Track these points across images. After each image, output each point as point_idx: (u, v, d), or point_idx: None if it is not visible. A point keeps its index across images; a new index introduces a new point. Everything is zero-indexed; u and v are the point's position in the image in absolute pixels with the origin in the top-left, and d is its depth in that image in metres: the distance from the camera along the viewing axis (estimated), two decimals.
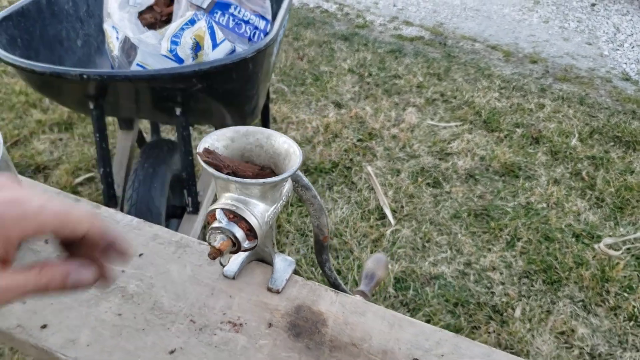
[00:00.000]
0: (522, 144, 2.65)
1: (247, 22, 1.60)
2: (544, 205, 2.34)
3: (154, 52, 1.43)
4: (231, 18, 1.59)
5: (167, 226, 1.95)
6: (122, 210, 1.85)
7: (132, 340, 0.70)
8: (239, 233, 0.65)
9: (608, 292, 2.00)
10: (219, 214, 0.66)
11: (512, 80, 3.12)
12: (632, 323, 1.92)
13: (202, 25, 1.44)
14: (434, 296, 1.95)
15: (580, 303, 1.97)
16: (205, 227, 2.08)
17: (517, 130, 2.73)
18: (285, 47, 3.29)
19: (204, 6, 1.56)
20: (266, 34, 1.69)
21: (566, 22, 3.74)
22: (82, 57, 1.97)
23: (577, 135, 2.71)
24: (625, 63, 3.32)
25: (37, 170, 2.38)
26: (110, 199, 1.79)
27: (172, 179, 1.89)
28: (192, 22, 1.43)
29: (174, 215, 1.97)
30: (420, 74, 3.10)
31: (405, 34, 3.52)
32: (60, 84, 1.49)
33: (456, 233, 2.19)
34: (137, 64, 1.49)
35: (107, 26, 1.53)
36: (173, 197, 1.98)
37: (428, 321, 1.88)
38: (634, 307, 1.95)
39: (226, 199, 0.67)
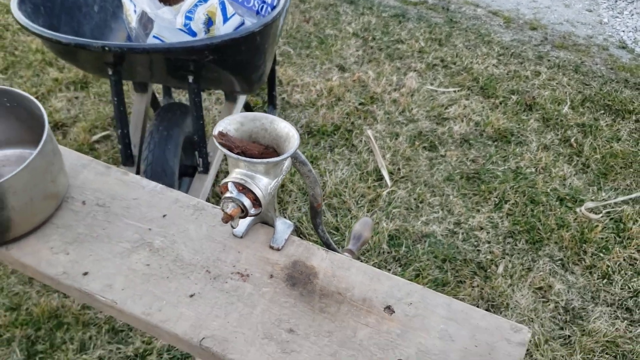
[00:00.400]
0: (516, 111, 2.77)
1: None
2: (532, 170, 2.48)
3: (170, 26, 1.56)
4: None
5: (179, 185, 2.11)
6: (138, 169, 2.01)
7: (158, 286, 0.86)
8: (247, 202, 0.80)
9: (585, 252, 2.16)
10: (230, 186, 0.81)
11: (510, 47, 3.22)
12: (605, 281, 2.09)
13: (214, 2, 1.56)
14: (424, 253, 2.12)
15: (559, 262, 2.14)
16: (214, 185, 2.24)
17: (512, 96, 2.84)
18: (292, 10, 3.37)
19: None
20: (273, 7, 1.81)
21: None
22: (99, 22, 2.09)
23: (569, 102, 2.83)
24: (623, 31, 3.40)
25: (56, 128, 2.53)
26: (127, 159, 1.95)
27: (184, 140, 2.04)
28: (204, 0, 1.55)
29: (185, 174, 2.13)
30: (422, 39, 3.19)
31: None
32: (83, 53, 1.62)
33: (448, 195, 2.35)
34: (154, 36, 1.62)
35: (125, 0, 1.65)
36: (185, 157, 2.14)
37: (417, 275, 2.05)
38: (608, 266, 2.12)
39: (236, 174, 0.82)
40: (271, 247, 0.92)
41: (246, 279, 0.88)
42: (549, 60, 3.13)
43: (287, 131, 0.85)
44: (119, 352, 1.78)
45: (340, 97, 2.77)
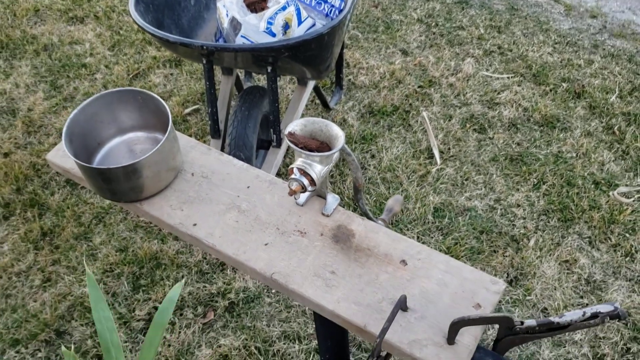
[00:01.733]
0: (565, 98, 2.98)
1: (325, 1, 2.04)
2: (573, 154, 2.71)
3: (254, 29, 1.92)
4: None
5: (256, 156, 2.49)
6: (223, 141, 2.41)
7: (244, 236, 1.24)
8: (305, 182, 1.16)
9: (612, 232, 2.41)
10: (295, 170, 1.17)
11: (567, 35, 3.38)
12: (627, 258, 2.33)
13: (291, 10, 1.90)
14: (464, 224, 2.43)
15: (587, 239, 2.39)
16: (285, 157, 2.61)
17: (563, 84, 3.05)
18: None
19: None
20: (340, 11, 2.13)
21: None
22: (195, 13, 2.47)
23: (617, 92, 3.01)
24: None
25: None
26: (215, 132, 2.34)
27: (262, 118, 2.42)
28: (283, 8, 1.89)
29: (261, 147, 2.51)
30: (482, 26, 3.41)
31: None
32: (185, 49, 2.01)
33: (492, 174, 2.63)
34: (242, 36, 1.98)
35: (219, 5, 2.02)
36: (262, 133, 2.52)
37: (456, 244, 2.36)
38: (632, 246, 2.35)
39: (299, 162, 1.17)
40: (323, 214, 1.28)
41: (304, 235, 1.24)
42: (604, 49, 3.29)
43: (336, 132, 1.19)
44: (205, 289, 2.21)
45: (401, 80, 3.07)
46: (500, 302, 2.18)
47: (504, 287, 1.15)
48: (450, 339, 1.07)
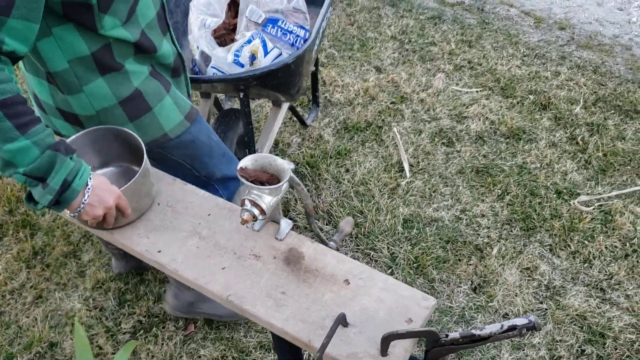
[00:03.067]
0: (531, 110, 3.12)
1: (290, 32, 2.18)
2: (537, 165, 2.85)
3: (223, 61, 2.06)
4: (279, 29, 2.18)
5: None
6: None
7: (204, 260, 1.38)
8: (256, 212, 1.30)
9: (572, 240, 2.54)
10: (246, 202, 1.31)
11: (536, 47, 3.53)
12: (585, 265, 2.47)
13: (256, 42, 2.04)
14: (431, 234, 2.57)
15: (548, 247, 2.53)
16: None
17: (530, 96, 3.19)
18: (339, 13, 3.80)
19: (259, 22, 2.15)
20: (305, 40, 2.27)
21: None
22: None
23: (582, 102, 3.15)
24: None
25: None
26: None
27: (238, 138, 2.56)
28: (249, 41, 2.03)
29: None
30: (453, 41, 3.56)
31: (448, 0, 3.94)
32: None
33: (458, 186, 2.77)
34: (212, 67, 2.12)
35: (190, 38, 2.16)
36: (240, 152, 2.65)
37: (423, 253, 2.50)
38: (590, 252, 2.49)
39: (250, 193, 1.31)
40: (276, 238, 1.42)
41: (258, 258, 1.38)
42: (570, 61, 3.43)
43: (284, 166, 1.33)
44: None
45: (374, 96, 3.21)
46: (464, 308, 2.32)
47: (434, 303, 1.29)
48: (383, 351, 1.20)
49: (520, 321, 1.19)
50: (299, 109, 3.25)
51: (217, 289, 1.33)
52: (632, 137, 2.97)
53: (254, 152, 2.52)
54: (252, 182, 1.31)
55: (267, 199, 1.31)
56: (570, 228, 2.58)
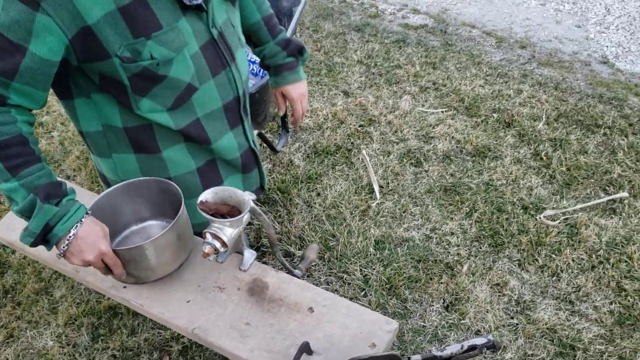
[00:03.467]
0: (495, 128, 3.19)
1: (253, 62, 2.22)
2: (503, 181, 2.91)
3: None
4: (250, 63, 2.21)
5: None
6: None
7: (169, 295, 1.39)
8: (217, 244, 1.32)
9: (539, 254, 2.59)
10: (207, 235, 1.33)
11: (498, 67, 3.62)
12: (554, 278, 2.51)
13: None
14: (403, 254, 2.60)
15: (517, 262, 2.58)
16: None
17: (494, 115, 3.26)
18: (306, 39, 3.86)
19: None
20: None
21: (562, 4, 4.13)
22: None
23: (544, 119, 3.23)
24: (607, 46, 3.73)
25: None
26: None
27: None
28: None
29: None
30: (418, 63, 3.63)
31: (412, 23, 4.02)
32: None
33: (428, 205, 2.81)
34: None
35: None
36: None
37: (395, 274, 2.53)
38: (557, 266, 2.54)
39: (211, 226, 1.33)
40: (240, 269, 1.44)
41: (222, 290, 1.40)
42: (532, 78, 3.52)
43: (244, 198, 1.35)
44: (159, 335, 2.35)
45: (343, 120, 3.26)
46: (436, 327, 2.35)
47: (396, 327, 1.32)
48: None
49: (479, 341, 1.22)
50: (269, 135, 3.29)
51: (182, 322, 1.34)
52: (594, 151, 3.05)
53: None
54: (212, 215, 1.33)
55: (229, 231, 1.33)
56: (538, 242, 2.63)
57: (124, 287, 1.41)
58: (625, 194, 2.82)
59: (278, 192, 2.91)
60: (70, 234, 1.24)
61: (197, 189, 1.53)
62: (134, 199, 1.47)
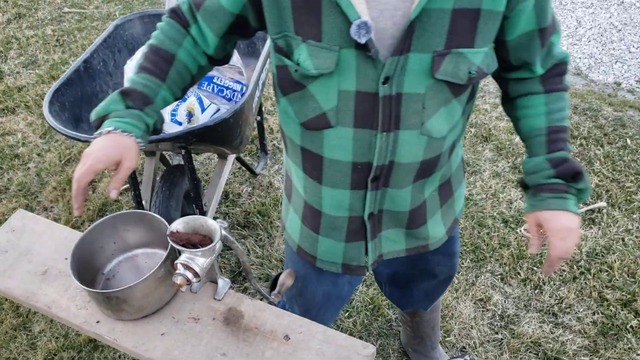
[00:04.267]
0: (474, 142, 3.21)
1: (227, 88, 2.22)
2: (483, 196, 2.92)
3: None
4: (215, 85, 2.21)
5: None
6: None
7: (143, 328, 1.37)
8: (189, 275, 1.30)
9: (521, 267, 2.59)
10: (179, 265, 1.31)
11: None
12: (536, 291, 2.51)
13: (192, 100, 2.06)
14: None
15: (499, 276, 2.58)
16: None
17: (472, 129, 3.28)
18: None
19: None
20: (243, 94, 2.30)
21: None
22: None
23: None
24: (580, 58, 3.78)
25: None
26: None
27: (185, 193, 2.56)
28: (184, 100, 2.06)
29: None
30: None
31: None
32: None
33: None
34: None
35: None
36: (188, 206, 2.65)
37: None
38: (539, 278, 2.54)
39: (183, 257, 1.31)
40: (215, 298, 1.42)
41: (197, 321, 1.38)
42: None
43: (215, 227, 1.34)
44: None
45: None
46: None
47: (373, 351, 1.30)
48: None
49: None
50: (248, 158, 3.27)
51: (157, 356, 1.31)
52: None
53: (201, 207, 2.53)
54: (183, 245, 1.31)
55: (200, 260, 1.31)
56: (519, 256, 2.63)
57: (97, 322, 1.39)
58: (603, 204, 2.84)
59: (258, 215, 2.89)
60: (99, 133, 1.17)
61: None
62: (120, 230, 1.49)
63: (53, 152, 3.29)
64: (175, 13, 1.30)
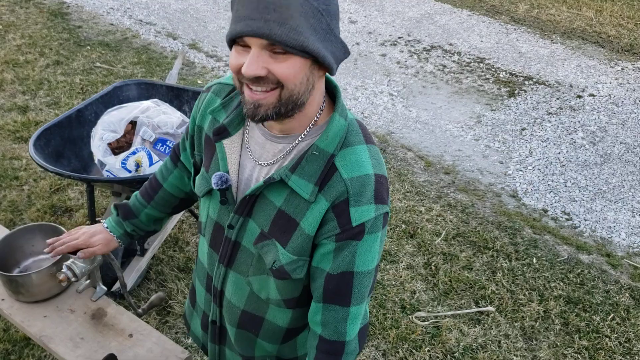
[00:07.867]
0: (400, 236, 3.66)
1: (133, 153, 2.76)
2: (393, 282, 3.34)
3: (113, 167, 2.62)
4: (167, 147, 2.76)
5: (125, 263, 3.11)
6: None
7: (32, 309, 1.84)
8: (69, 274, 1.78)
9: (402, 347, 2.98)
10: (64, 266, 1.80)
11: (420, 186, 4.14)
12: None
13: (141, 154, 2.61)
14: None
15: (382, 352, 2.96)
16: (149, 268, 3.23)
17: (402, 225, 3.74)
18: None
19: (151, 140, 2.74)
20: None
21: (493, 142, 4.71)
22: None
23: (444, 235, 3.70)
24: (520, 182, 4.25)
25: (65, 211, 3.64)
26: None
27: None
28: (134, 153, 2.61)
29: (130, 254, 3.13)
30: None
31: None
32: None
33: None
34: (106, 170, 2.68)
35: (92, 147, 2.74)
36: (131, 243, 3.14)
37: None
38: (415, 358, 2.92)
39: (69, 260, 1.81)
40: (91, 299, 1.89)
41: (73, 312, 1.85)
42: (445, 200, 4.03)
43: None
44: None
45: None
46: None
47: (187, 355, 1.75)
48: None
49: None
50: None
51: (35, 330, 1.79)
52: (478, 269, 3.48)
53: (143, 244, 3.02)
54: (74, 253, 1.81)
55: (80, 265, 1.80)
56: (403, 337, 3.02)
57: (2, 299, 1.87)
58: (491, 308, 3.22)
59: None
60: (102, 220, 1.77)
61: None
62: (38, 237, 2.00)
63: (46, 181, 3.87)
64: (173, 151, 1.67)
